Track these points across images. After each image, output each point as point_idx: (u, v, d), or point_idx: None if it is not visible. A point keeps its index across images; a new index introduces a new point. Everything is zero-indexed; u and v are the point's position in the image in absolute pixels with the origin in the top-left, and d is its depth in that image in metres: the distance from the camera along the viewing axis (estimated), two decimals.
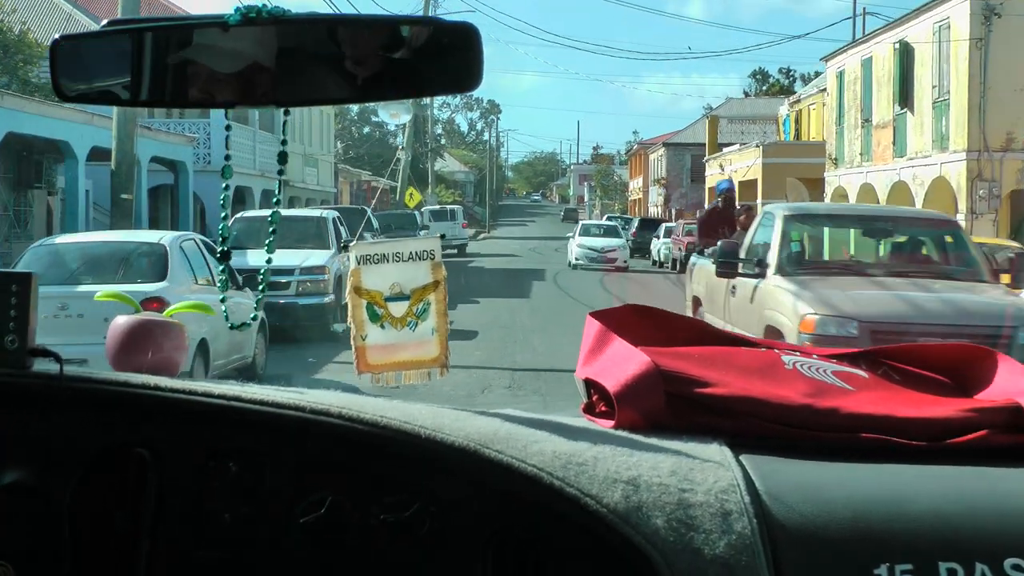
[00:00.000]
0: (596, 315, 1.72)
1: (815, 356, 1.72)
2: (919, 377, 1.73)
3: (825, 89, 43.64)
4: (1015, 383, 1.65)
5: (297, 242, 17.07)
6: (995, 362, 1.70)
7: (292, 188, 40.25)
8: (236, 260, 12.60)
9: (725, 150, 52.87)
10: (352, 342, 1.77)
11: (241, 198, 34.04)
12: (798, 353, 1.71)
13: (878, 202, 30.45)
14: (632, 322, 1.74)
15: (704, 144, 69.19)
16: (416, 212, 40.91)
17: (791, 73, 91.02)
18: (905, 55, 29.57)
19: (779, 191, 43.82)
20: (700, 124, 77.15)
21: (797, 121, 51.71)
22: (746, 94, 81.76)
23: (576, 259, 36.70)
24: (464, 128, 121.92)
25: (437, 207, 53.14)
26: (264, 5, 1.44)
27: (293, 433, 1.49)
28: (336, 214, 19.37)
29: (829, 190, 34.74)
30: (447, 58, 1.46)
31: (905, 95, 29.41)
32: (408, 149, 43.47)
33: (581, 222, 40.94)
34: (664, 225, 49.64)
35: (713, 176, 57.12)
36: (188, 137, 28.71)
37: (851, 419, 1.55)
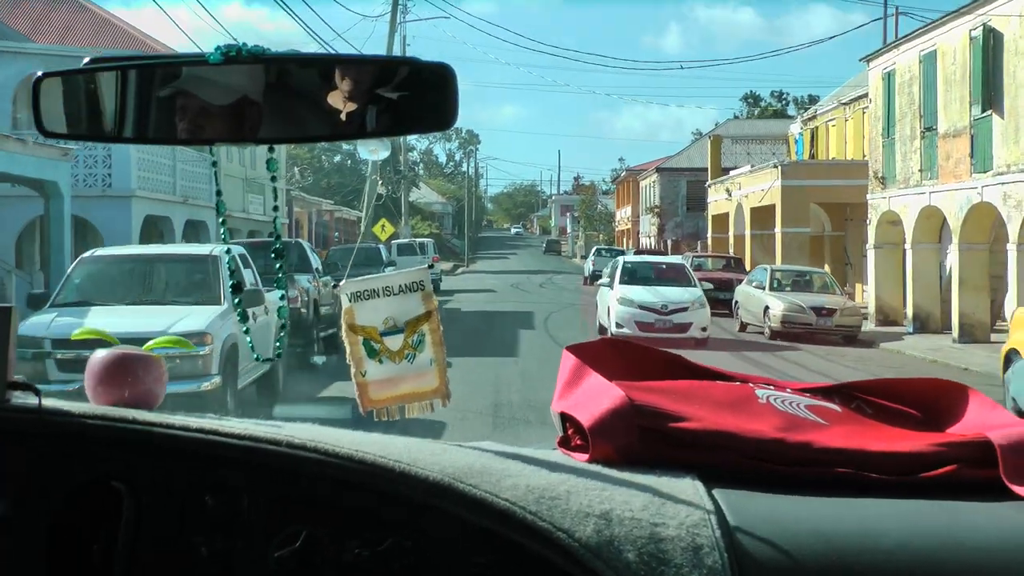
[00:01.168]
0: (572, 349, 1.76)
1: (788, 390, 1.75)
2: (891, 411, 1.77)
3: (847, 103, 41.13)
4: (985, 417, 1.69)
5: (172, 294, 13.09)
6: (966, 396, 1.74)
7: (232, 219, 37.66)
8: (60, 320, 11.39)
9: (733, 173, 48.75)
10: (353, 379, 1.79)
11: (157, 230, 30.98)
12: (772, 387, 1.75)
13: (946, 228, 27.20)
14: (608, 356, 1.78)
15: (700, 169, 65.91)
16: (382, 246, 38.24)
17: (784, 97, 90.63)
18: (989, 43, 24.03)
19: (800, 217, 40.25)
20: (695, 149, 74.94)
21: (813, 140, 47.35)
22: (736, 117, 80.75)
23: (618, 323, 22.96)
24: (443, 159, 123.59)
25: (405, 240, 51.64)
26: (244, 44, 1.49)
27: (269, 467, 1.52)
28: (240, 250, 14.73)
29: (874, 215, 31.06)
30: (424, 97, 1.50)
31: (989, 94, 24.09)
32: (376, 177, 42.14)
33: (621, 259, 27.81)
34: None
35: (718, 203, 53.01)
36: (61, 150, 22.89)
37: (823, 453, 1.58)
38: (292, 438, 1.52)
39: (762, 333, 26.41)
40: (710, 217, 51.34)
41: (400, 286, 1.84)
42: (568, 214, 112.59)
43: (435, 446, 1.57)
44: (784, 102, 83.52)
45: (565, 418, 1.64)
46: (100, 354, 1.77)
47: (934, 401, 1.77)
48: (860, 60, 31.97)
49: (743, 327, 27.46)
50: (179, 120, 1.48)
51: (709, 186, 51.11)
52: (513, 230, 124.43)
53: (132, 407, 1.64)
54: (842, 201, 36.12)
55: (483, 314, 29.63)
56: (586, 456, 1.56)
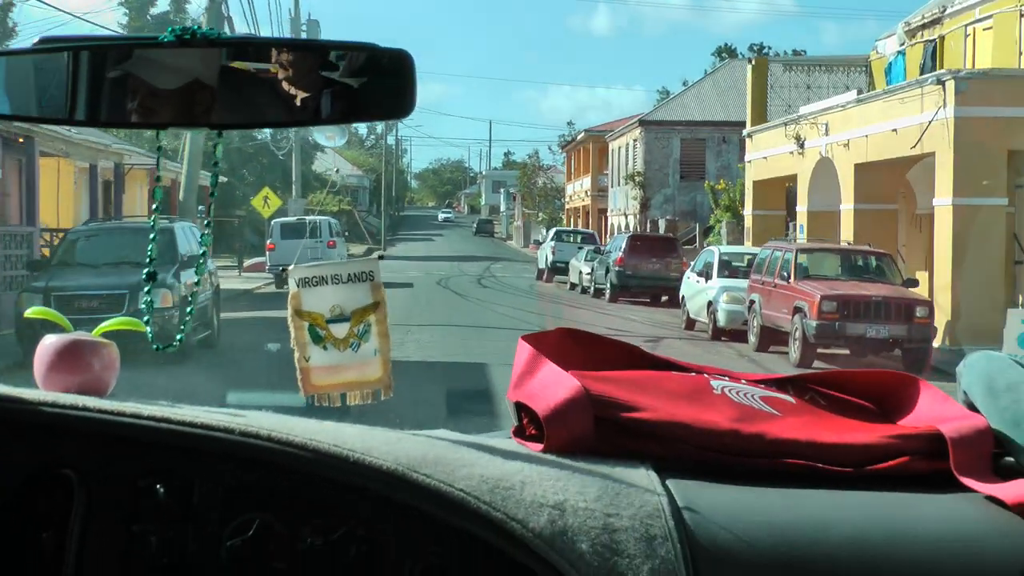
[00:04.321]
0: (528, 338, 1.88)
1: (744, 381, 1.91)
2: (844, 403, 1.92)
3: None
4: (936, 410, 1.85)
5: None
6: (918, 389, 1.90)
7: None
8: None
9: (811, 108, 30.74)
10: (296, 364, 1.93)
11: None
12: (727, 378, 1.91)
13: None
14: (564, 346, 1.90)
15: (701, 123, 51.63)
16: (186, 228, 24.96)
17: (763, 49, 77.60)
18: None
19: (986, 175, 22.15)
20: (690, 96, 56.03)
21: (935, 58, 29.04)
22: (706, 72, 65.91)
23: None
24: (363, 130, 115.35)
25: (294, 219, 41.08)
26: (199, 27, 1.59)
27: (222, 455, 1.66)
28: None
29: None
30: (382, 84, 1.60)
31: None
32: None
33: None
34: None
35: (770, 161, 34.66)
36: None
37: (776, 444, 1.74)
38: (245, 426, 1.65)
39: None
40: (750, 184, 37.15)
41: (349, 274, 1.93)
42: (502, 190, 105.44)
43: (390, 435, 1.71)
44: (764, 55, 73.56)
45: (520, 407, 1.79)
46: (50, 339, 1.87)
47: (887, 393, 1.93)
48: None
49: None
50: (131, 103, 1.59)
51: (749, 135, 37.24)
52: (441, 215, 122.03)
53: (83, 394, 1.77)
54: None
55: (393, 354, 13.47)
56: (541, 446, 1.72)
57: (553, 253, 46.80)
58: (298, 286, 1.91)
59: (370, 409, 1.97)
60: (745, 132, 37.54)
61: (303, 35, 51.83)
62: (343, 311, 1.90)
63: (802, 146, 31.06)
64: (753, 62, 38.15)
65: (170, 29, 1.53)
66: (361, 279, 1.92)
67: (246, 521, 1.59)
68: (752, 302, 23.39)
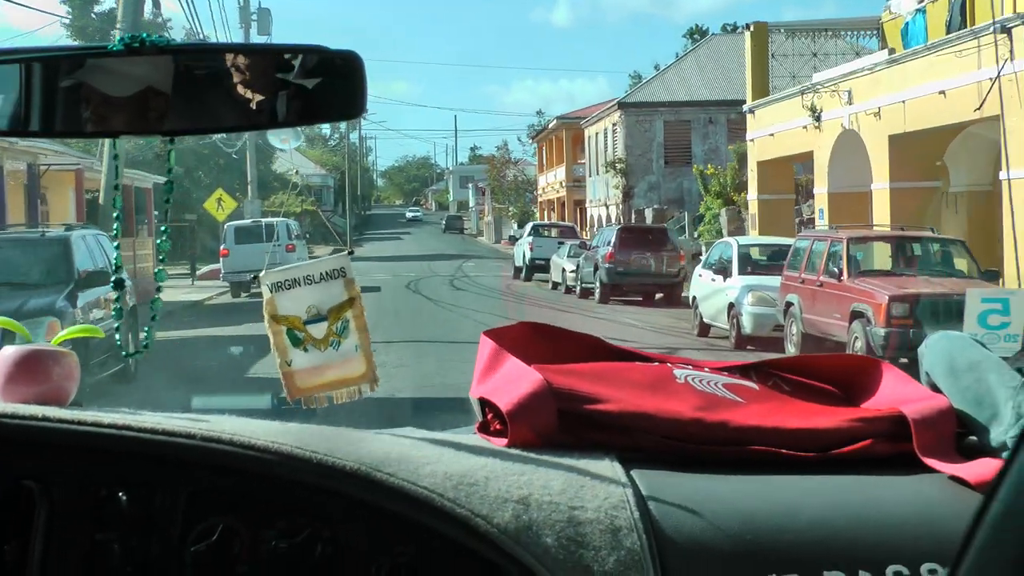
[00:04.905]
0: (490, 334, 1.90)
1: (707, 369, 1.95)
2: (808, 387, 1.95)
3: None
4: (899, 392, 1.88)
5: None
6: (880, 371, 1.94)
7: None
8: None
9: (833, 73, 26.73)
10: (279, 369, 1.93)
11: None
12: (690, 367, 1.95)
13: None
14: (526, 340, 1.93)
15: (685, 103, 47.05)
16: (86, 236, 19.47)
17: (736, 29, 70.11)
18: None
19: None
20: (674, 73, 51.13)
21: (964, 11, 24.07)
22: (677, 55, 61.55)
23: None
24: (326, 129, 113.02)
25: (249, 222, 38.36)
26: (147, 35, 1.61)
27: (184, 461, 1.68)
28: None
29: None
30: (332, 86, 1.62)
31: None
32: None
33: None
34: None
35: (780, 137, 29.93)
36: None
37: (740, 432, 1.76)
38: (207, 431, 1.67)
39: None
40: (754, 165, 32.97)
41: (321, 274, 1.96)
42: (470, 185, 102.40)
43: (353, 435, 1.73)
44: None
45: (484, 403, 1.84)
46: (9, 350, 1.91)
47: (850, 377, 1.96)
48: None
49: None
50: (85, 112, 1.61)
51: (751, 111, 32.87)
52: (408, 214, 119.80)
53: (43, 404, 1.80)
54: None
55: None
56: (505, 441, 1.75)
57: (531, 249, 43.44)
58: (272, 291, 1.95)
59: (336, 408, 2.00)
60: (746, 107, 33.72)
61: (254, 24, 49.37)
62: (319, 311, 1.92)
63: (819, 119, 27.10)
64: (751, 28, 32.85)
65: (119, 38, 1.53)
66: (334, 276, 1.94)
67: (210, 526, 1.61)
68: (789, 304, 19.22)
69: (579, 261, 36.09)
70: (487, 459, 1.57)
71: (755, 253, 23.07)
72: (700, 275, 23.66)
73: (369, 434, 1.68)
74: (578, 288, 35.56)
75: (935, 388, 1.80)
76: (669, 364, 1.89)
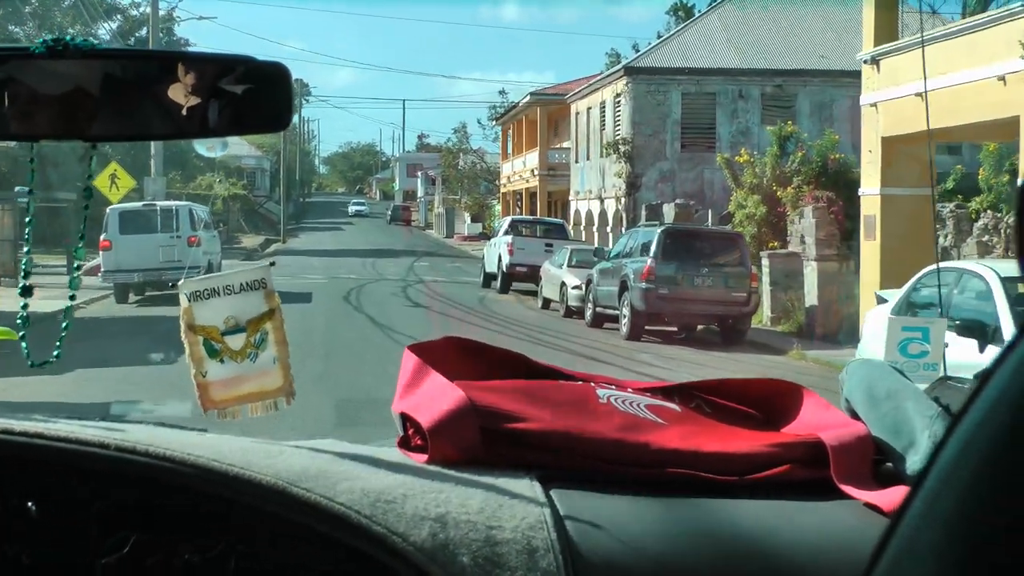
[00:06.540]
0: (414, 348, 1.90)
1: (630, 390, 1.95)
2: (730, 411, 1.96)
3: None
4: (818, 418, 1.89)
5: None
6: (801, 397, 1.96)
7: None
8: None
9: None
10: (193, 380, 1.92)
11: None
12: (613, 387, 1.94)
13: None
14: (450, 355, 1.93)
15: (711, 71, 35.48)
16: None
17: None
18: None
19: None
20: (691, 35, 39.02)
21: None
22: (659, 36, 50.64)
23: None
24: None
25: (139, 205, 30.53)
26: (72, 38, 1.58)
27: (98, 472, 1.67)
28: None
29: None
30: (259, 96, 1.62)
31: None
32: None
33: None
34: None
35: (942, 94, 16.97)
36: None
37: (660, 454, 1.79)
38: (122, 441, 1.67)
39: None
40: (877, 142, 21.01)
41: (241, 284, 1.93)
42: (420, 173, 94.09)
43: (272, 448, 1.72)
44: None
45: (405, 419, 1.84)
46: None
47: (771, 401, 1.99)
48: None
49: None
50: (7, 114, 1.60)
51: (873, 61, 20.92)
52: (352, 208, 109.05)
53: None
54: None
55: None
56: (425, 457, 1.76)
57: (511, 253, 32.71)
58: (189, 300, 1.93)
59: (258, 419, 2.00)
60: (865, 55, 22.10)
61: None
62: (238, 322, 1.90)
63: None
64: None
65: (41, 40, 1.53)
66: (254, 288, 1.92)
67: (122, 539, 1.61)
68: None
69: (592, 274, 25.50)
70: (406, 476, 1.57)
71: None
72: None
73: (288, 447, 1.66)
74: (589, 313, 25.31)
75: (854, 415, 1.86)
76: (593, 384, 1.91)
